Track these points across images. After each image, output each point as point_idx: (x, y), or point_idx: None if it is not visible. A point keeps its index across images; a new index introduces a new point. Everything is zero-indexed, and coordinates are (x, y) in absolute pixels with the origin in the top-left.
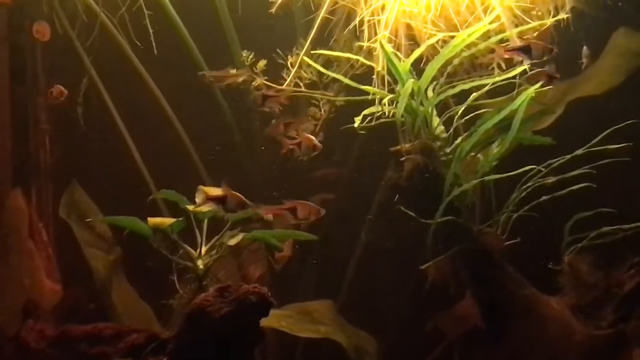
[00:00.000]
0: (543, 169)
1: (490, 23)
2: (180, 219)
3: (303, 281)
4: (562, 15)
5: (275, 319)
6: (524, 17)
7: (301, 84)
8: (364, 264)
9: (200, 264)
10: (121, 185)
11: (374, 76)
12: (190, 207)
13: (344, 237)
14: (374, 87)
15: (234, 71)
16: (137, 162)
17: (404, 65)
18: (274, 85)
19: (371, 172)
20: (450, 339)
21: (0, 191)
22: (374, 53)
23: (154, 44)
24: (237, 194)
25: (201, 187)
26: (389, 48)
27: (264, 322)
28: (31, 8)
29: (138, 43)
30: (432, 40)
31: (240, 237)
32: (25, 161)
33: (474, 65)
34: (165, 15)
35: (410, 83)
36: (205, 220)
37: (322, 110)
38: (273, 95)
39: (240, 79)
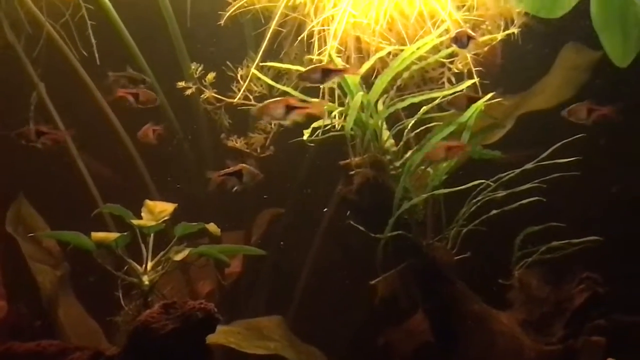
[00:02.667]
0: (492, 183)
1: (439, 36)
2: (125, 233)
3: (253, 297)
4: (512, 30)
5: (223, 335)
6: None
7: (251, 97)
8: (315, 278)
9: (145, 279)
10: (69, 199)
11: (323, 88)
12: (135, 222)
13: (294, 251)
14: (323, 99)
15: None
16: (84, 176)
17: (354, 78)
18: (223, 97)
19: (321, 186)
20: (401, 354)
21: None
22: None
23: (96, 55)
24: (253, 169)
25: (147, 201)
26: (338, 60)
27: (212, 338)
28: None
29: (85, 53)
30: (382, 53)
31: (186, 252)
32: None
33: (424, 79)
34: (112, 27)
35: (359, 96)
36: (152, 235)
37: (272, 124)
38: (301, 107)
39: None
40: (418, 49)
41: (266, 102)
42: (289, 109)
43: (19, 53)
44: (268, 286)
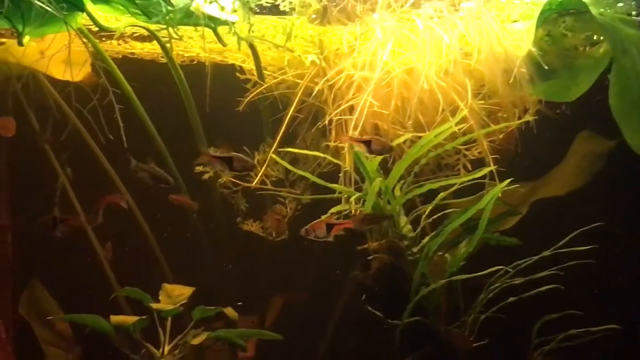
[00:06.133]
0: (510, 270)
1: (457, 125)
2: (144, 317)
3: None
4: (527, 118)
5: None
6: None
7: (267, 182)
8: None
9: None
10: (82, 283)
11: (341, 174)
12: (154, 305)
13: (310, 338)
14: (341, 185)
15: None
16: (100, 260)
17: (372, 164)
18: (240, 182)
19: (337, 272)
20: None
21: None
22: (341, 152)
23: (124, 138)
24: (244, 156)
25: (165, 284)
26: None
27: None
28: None
29: (110, 137)
30: (400, 140)
31: (204, 336)
32: None
33: (440, 165)
34: (133, 111)
35: (378, 181)
36: (169, 319)
37: (288, 208)
38: (340, 224)
39: (206, 176)
40: (436, 136)
41: (310, 225)
42: (330, 226)
43: (43, 140)
44: None
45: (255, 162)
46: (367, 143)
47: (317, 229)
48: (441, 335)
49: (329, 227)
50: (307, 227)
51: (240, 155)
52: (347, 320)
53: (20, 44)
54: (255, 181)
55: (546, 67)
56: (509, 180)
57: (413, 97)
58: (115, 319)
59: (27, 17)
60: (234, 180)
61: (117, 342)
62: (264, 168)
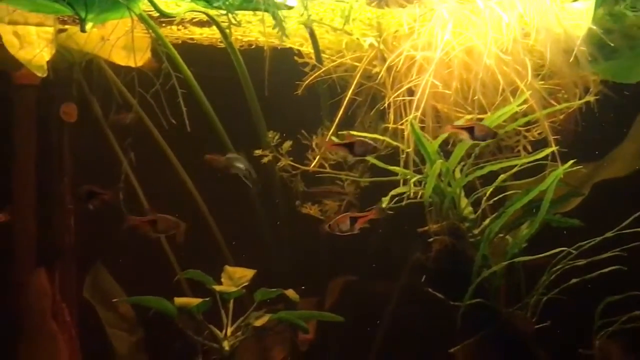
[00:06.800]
0: (573, 251)
1: (519, 105)
2: (207, 299)
3: None
4: (588, 98)
5: None
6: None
7: (326, 165)
8: (389, 346)
9: (226, 345)
10: (144, 266)
11: (400, 157)
12: (217, 287)
13: (368, 318)
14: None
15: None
16: (161, 243)
17: (433, 145)
18: (299, 165)
19: (395, 253)
20: None
21: (24, 271)
22: (400, 134)
23: (187, 122)
24: (367, 140)
25: (227, 267)
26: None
27: None
28: (59, 89)
29: (173, 121)
30: (461, 122)
31: (266, 317)
32: (50, 242)
33: (500, 146)
34: (192, 96)
35: (439, 163)
36: (232, 301)
37: (347, 191)
38: (362, 216)
39: (265, 160)
40: (498, 117)
41: (334, 219)
42: (353, 219)
43: (105, 124)
44: (341, 353)
45: (314, 145)
46: (470, 130)
47: (340, 223)
48: (503, 317)
49: (353, 220)
50: (330, 222)
51: (363, 139)
52: (408, 303)
53: (83, 30)
54: (313, 164)
55: (610, 45)
56: (572, 162)
57: (474, 78)
58: (179, 300)
59: (89, 3)
60: (292, 163)
61: (181, 324)
62: (322, 151)
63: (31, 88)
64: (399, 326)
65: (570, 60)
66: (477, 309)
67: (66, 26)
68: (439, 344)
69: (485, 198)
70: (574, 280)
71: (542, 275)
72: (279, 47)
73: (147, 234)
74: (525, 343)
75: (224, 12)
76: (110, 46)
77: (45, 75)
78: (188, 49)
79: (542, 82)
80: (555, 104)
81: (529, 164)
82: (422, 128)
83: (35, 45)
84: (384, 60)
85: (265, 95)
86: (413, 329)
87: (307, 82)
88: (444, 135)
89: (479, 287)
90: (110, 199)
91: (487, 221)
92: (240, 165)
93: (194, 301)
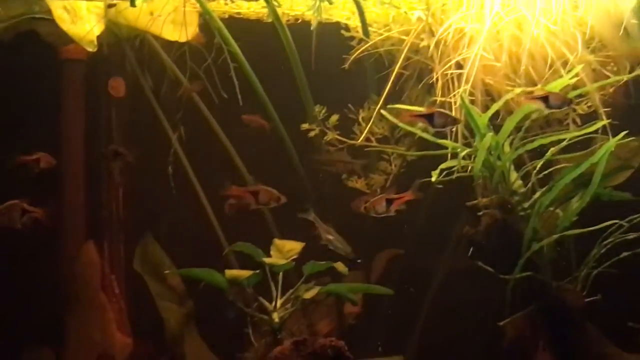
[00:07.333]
0: (625, 224)
1: (570, 78)
2: (257, 271)
3: (373, 336)
4: (638, 72)
5: None
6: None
7: (373, 139)
8: (435, 319)
9: (275, 317)
10: (193, 238)
11: (449, 131)
12: (267, 260)
13: (414, 291)
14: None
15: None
16: (210, 216)
17: (483, 119)
18: (345, 139)
19: (441, 228)
20: None
21: (74, 244)
22: (447, 108)
23: (239, 97)
24: (446, 111)
25: (276, 240)
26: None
27: None
28: (108, 64)
29: (224, 95)
30: (511, 95)
31: (316, 290)
32: (99, 214)
33: (548, 120)
34: (241, 71)
35: (489, 137)
36: (281, 274)
37: (393, 165)
38: (398, 198)
39: (312, 133)
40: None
41: (370, 200)
42: (389, 201)
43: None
44: (388, 326)
45: (360, 119)
46: (545, 99)
47: (376, 205)
48: (553, 290)
49: (389, 202)
50: (366, 204)
51: (442, 110)
52: (458, 276)
53: (132, 4)
54: (361, 138)
55: None
56: (623, 134)
57: (523, 50)
58: (229, 273)
59: None
60: (339, 137)
61: (231, 296)
62: (369, 125)
63: (79, 63)
64: (447, 300)
65: (620, 33)
66: (526, 283)
67: (115, 1)
68: (489, 317)
69: (534, 172)
70: (624, 254)
71: (592, 249)
72: (325, 22)
73: (247, 205)
74: (575, 317)
75: None
76: (161, 22)
77: (95, 50)
78: (235, 23)
79: (592, 54)
80: (610, 75)
81: (577, 138)
82: (472, 101)
83: (85, 20)
84: (432, 33)
85: (312, 69)
86: (464, 303)
87: (354, 56)
88: (494, 108)
89: (528, 260)
90: (132, 161)
91: (537, 194)
92: (339, 245)
93: (245, 273)
